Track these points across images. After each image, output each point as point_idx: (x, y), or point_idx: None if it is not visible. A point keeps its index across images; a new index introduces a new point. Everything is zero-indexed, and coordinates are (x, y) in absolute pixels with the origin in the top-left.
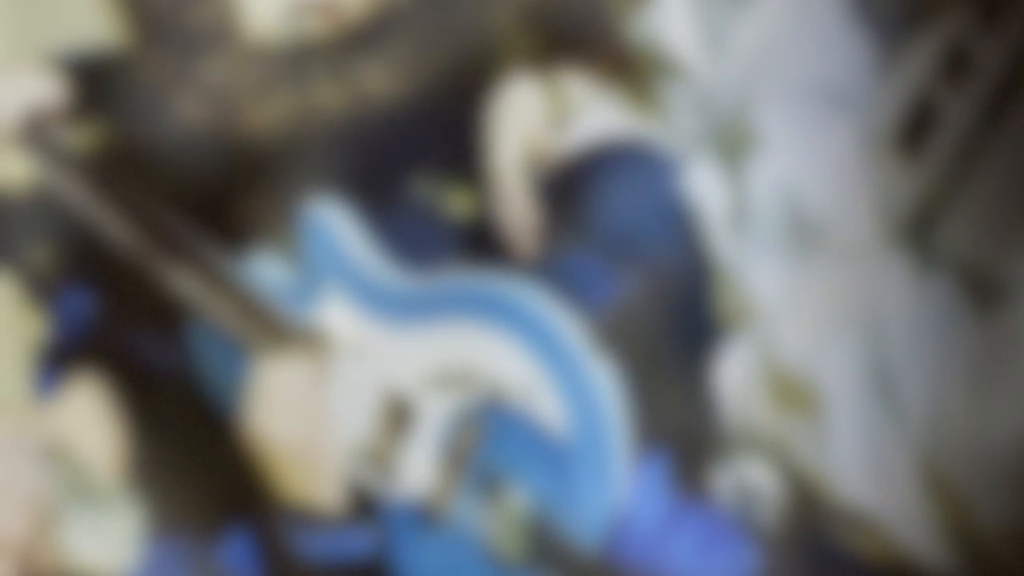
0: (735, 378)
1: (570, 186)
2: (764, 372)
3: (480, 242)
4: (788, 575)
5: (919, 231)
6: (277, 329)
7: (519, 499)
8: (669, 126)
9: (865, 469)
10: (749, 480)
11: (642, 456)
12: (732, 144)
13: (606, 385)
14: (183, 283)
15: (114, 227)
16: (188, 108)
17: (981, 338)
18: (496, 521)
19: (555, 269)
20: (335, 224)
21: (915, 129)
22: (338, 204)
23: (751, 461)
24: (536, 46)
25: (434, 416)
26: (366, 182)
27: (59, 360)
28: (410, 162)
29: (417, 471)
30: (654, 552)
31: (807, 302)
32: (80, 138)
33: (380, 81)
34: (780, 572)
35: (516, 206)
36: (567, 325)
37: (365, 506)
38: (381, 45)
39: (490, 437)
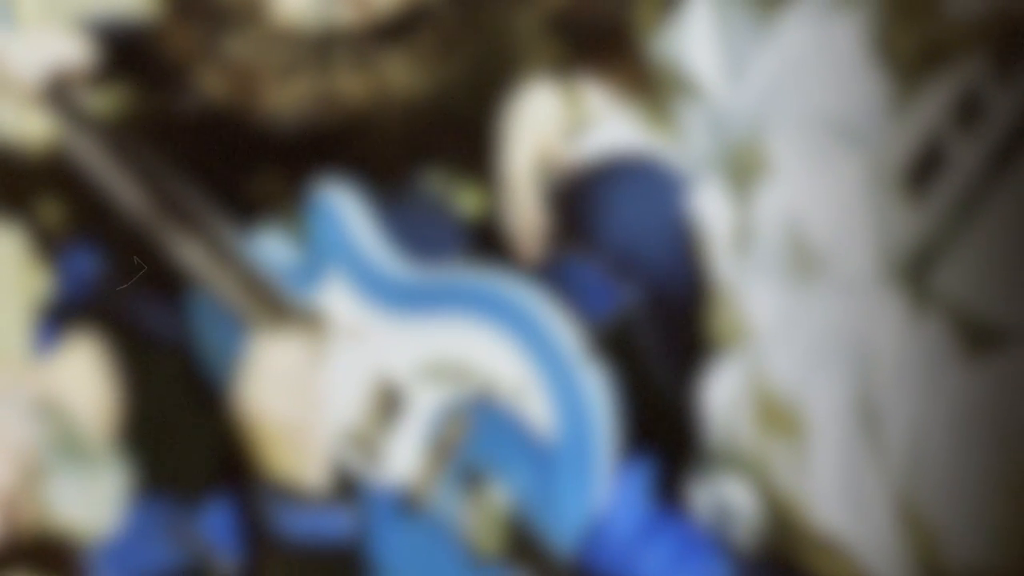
0: (723, 396)
1: (579, 195)
2: (752, 393)
3: (486, 241)
4: None
5: (917, 271)
6: (277, 307)
7: (500, 495)
8: (682, 144)
9: (841, 498)
10: (727, 498)
11: (625, 464)
12: (741, 168)
13: (596, 391)
14: (188, 253)
15: (126, 191)
16: (210, 82)
17: (967, 382)
18: (475, 515)
19: (556, 274)
20: (343, 210)
21: (922, 170)
22: (348, 190)
23: (731, 479)
24: (559, 53)
25: (423, 406)
26: (378, 172)
27: (60, 317)
28: (424, 156)
29: (402, 458)
30: (628, 559)
31: (800, 329)
32: (101, 102)
33: (402, 74)
34: None
35: (524, 209)
36: (563, 329)
37: (347, 488)
38: (407, 39)
39: (477, 432)
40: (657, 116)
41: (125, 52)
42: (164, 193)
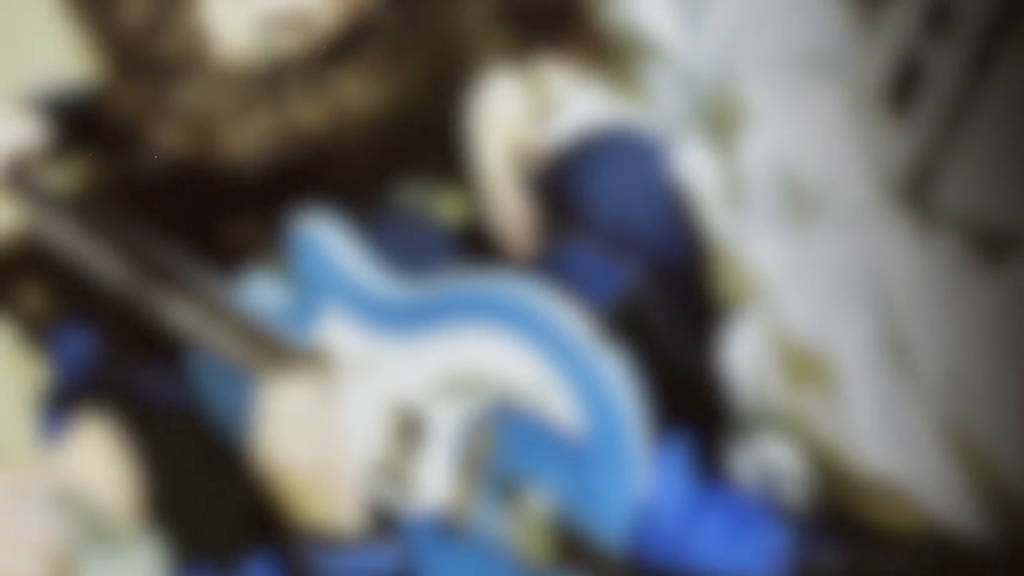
0: (746, 356)
1: (560, 179)
2: (775, 347)
3: (475, 244)
4: (817, 552)
5: (917, 190)
6: (279, 352)
7: (539, 501)
8: (654, 108)
9: (886, 437)
10: (769, 459)
11: (660, 445)
12: (720, 120)
13: (616, 377)
14: (179, 314)
15: (104, 264)
16: (167, 137)
17: (990, 293)
18: (518, 525)
19: (554, 265)
20: (327, 240)
21: (903, 86)
22: (327, 221)
23: (770, 439)
24: (512, 39)
25: (446, 424)
26: (353, 195)
27: (63, 403)
28: (396, 171)
29: (434, 482)
30: (681, 541)
31: (810, 272)
32: (63, 178)
33: (358, 92)
34: (809, 550)
35: (507, 204)
36: (571, 320)
37: (385, 523)
38: (356, 56)
39: (504, 441)
40: (623, 84)
41: (77, 123)
42: (143, 258)
